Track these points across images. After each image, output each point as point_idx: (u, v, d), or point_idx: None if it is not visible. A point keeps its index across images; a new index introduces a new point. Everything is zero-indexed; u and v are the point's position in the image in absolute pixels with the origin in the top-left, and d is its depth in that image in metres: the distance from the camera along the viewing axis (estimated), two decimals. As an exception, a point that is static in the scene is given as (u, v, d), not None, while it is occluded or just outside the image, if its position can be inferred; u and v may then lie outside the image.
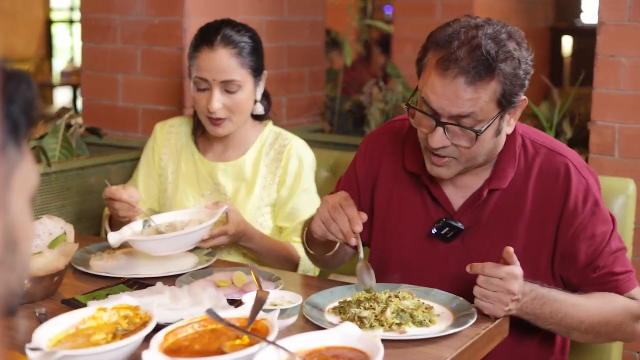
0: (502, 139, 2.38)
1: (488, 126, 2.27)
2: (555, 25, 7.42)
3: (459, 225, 2.46)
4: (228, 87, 2.99)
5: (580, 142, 3.71)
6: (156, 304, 2.12)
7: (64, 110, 3.61)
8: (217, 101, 2.98)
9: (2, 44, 11.36)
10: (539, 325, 2.32)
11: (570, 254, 2.40)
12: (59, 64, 12.29)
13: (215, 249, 2.98)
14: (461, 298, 2.29)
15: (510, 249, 2.18)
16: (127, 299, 2.12)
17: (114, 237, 2.63)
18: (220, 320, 1.94)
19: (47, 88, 11.19)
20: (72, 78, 10.48)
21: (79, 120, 3.81)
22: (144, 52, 3.74)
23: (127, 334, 2.00)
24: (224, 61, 2.98)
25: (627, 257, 2.48)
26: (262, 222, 3.10)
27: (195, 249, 2.81)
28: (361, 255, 2.35)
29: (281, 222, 3.11)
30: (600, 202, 2.41)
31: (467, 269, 2.21)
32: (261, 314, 2.01)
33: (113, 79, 3.84)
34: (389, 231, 2.59)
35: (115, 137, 3.83)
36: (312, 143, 3.65)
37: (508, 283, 2.16)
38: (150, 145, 3.27)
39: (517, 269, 2.17)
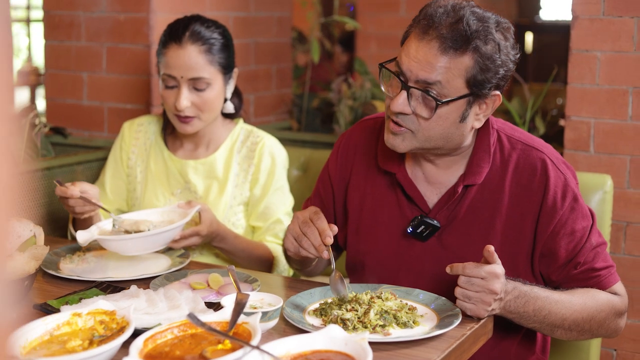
0: (467, 129, 2.32)
1: (451, 101, 2.23)
2: (518, 22, 7.43)
3: (435, 223, 2.41)
4: (196, 84, 2.92)
5: (552, 138, 3.69)
6: (133, 308, 2.05)
7: (28, 109, 3.52)
8: (185, 99, 2.91)
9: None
10: (522, 324, 2.28)
11: (550, 250, 2.36)
12: (16, 63, 12.13)
13: (188, 249, 2.92)
14: (444, 298, 2.25)
15: (491, 248, 2.13)
16: (103, 303, 2.06)
17: (82, 236, 2.57)
18: (202, 324, 1.88)
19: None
20: (30, 78, 10.32)
21: (44, 120, 3.72)
22: (109, 50, 3.66)
23: (104, 340, 1.94)
24: (193, 58, 2.91)
25: (605, 247, 2.45)
26: (235, 222, 3.04)
27: (167, 250, 2.75)
28: (333, 266, 2.30)
29: (254, 222, 3.06)
30: (579, 197, 2.39)
31: (447, 269, 2.17)
32: (242, 318, 1.96)
33: (77, 78, 3.75)
34: (364, 232, 2.55)
35: (81, 137, 3.75)
36: (281, 141, 3.60)
37: (490, 283, 2.12)
38: (118, 144, 3.20)
39: (498, 267, 2.13)
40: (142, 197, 3.11)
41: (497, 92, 2.28)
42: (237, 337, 1.91)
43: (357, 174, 2.57)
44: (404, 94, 2.26)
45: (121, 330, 1.94)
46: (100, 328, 2.00)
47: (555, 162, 2.39)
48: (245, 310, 2.06)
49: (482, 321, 2.16)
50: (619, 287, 2.41)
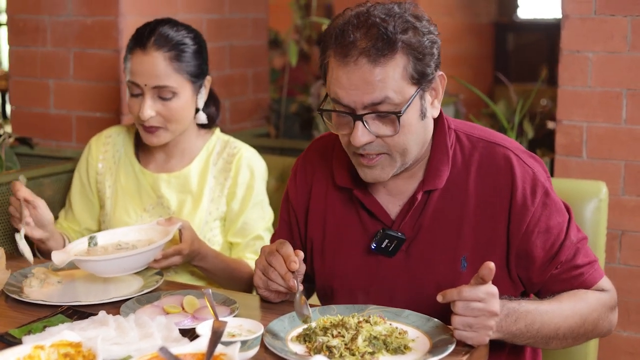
0: (430, 123, 2.21)
1: (408, 106, 2.10)
2: (498, 21, 7.32)
3: (399, 235, 2.27)
4: (161, 93, 2.76)
5: (541, 142, 3.57)
6: (100, 338, 1.89)
7: (-10, 120, 3.37)
8: (149, 108, 2.75)
9: None
10: (515, 343, 2.13)
11: (526, 251, 2.23)
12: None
13: (165, 269, 2.76)
14: (436, 320, 2.10)
15: (491, 265, 1.97)
16: (68, 334, 1.90)
17: (58, 257, 2.42)
18: (175, 359, 1.72)
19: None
20: (0, 83, 10.14)
21: (8, 129, 3.56)
22: (76, 55, 3.51)
23: (68, 376, 1.78)
24: (157, 65, 2.75)
25: (589, 246, 2.33)
26: (211, 238, 2.88)
27: (142, 270, 2.58)
28: (299, 288, 2.18)
29: (232, 238, 2.90)
30: (551, 192, 2.26)
31: (439, 298, 2.00)
32: (219, 348, 1.81)
33: (44, 85, 3.60)
34: (328, 255, 2.42)
35: (48, 148, 3.60)
36: (258, 148, 3.46)
37: (489, 304, 1.97)
38: (84, 158, 3.03)
39: (492, 287, 1.99)
40: (112, 214, 2.94)
41: (440, 72, 2.18)
42: (215, 370, 1.77)
43: (316, 195, 2.45)
44: (359, 125, 2.12)
45: (88, 364, 1.79)
46: (65, 362, 1.84)
47: (520, 157, 2.26)
48: (223, 339, 1.92)
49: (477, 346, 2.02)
50: (605, 282, 2.29)
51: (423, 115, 2.16)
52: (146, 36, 2.77)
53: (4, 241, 3.07)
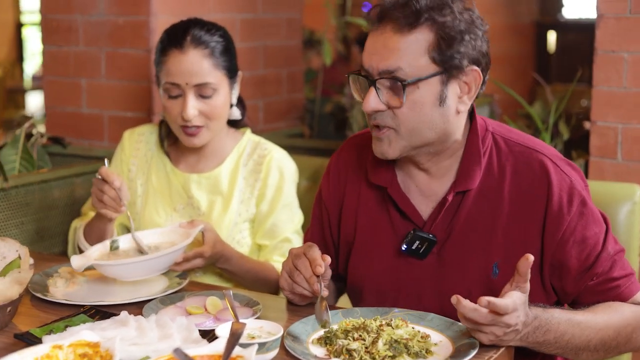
0: (451, 114, 2.16)
1: (419, 81, 2.10)
2: (540, 20, 7.23)
3: (430, 236, 2.25)
4: (202, 91, 2.75)
5: (577, 143, 3.50)
6: (119, 339, 1.88)
7: (24, 118, 3.38)
8: (192, 107, 2.73)
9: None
10: (541, 351, 2.09)
11: (560, 261, 2.19)
12: (30, 68, 12.04)
13: (189, 271, 2.75)
14: (460, 324, 2.06)
15: (530, 258, 1.94)
16: (87, 334, 1.89)
17: (77, 261, 2.41)
18: (190, 361, 1.71)
19: (19, 93, 10.94)
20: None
21: (41, 129, 3.58)
22: (108, 55, 3.51)
23: (84, 376, 1.77)
24: (197, 63, 2.73)
25: (627, 259, 2.27)
26: (240, 239, 2.86)
27: (167, 271, 2.57)
28: (322, 292, 2.16)
29: (261, 240, 2.88)
30: (589, 201, 2.21)
31: (453, 300, 1.95)
32: (237, 350, 1.79)
33: (76, 84, 3.61)
34: (358, 255, 2.40)
35: (80, 147, 3.60)
36: (291, 149, 3.43)
37: (503, 318, 1.92)
38: (118, 155, 3.03)
39: (515, 299, 1.92)
40: (142, 212, 2.93)
41: (475, 67, 2.13)
42: (231, 372, 1.75)
43: (350, 194, 2.43)
44: (372, 90, 2.14)
45: (104, 364, 1.77)
46: (82, 362, 1.84)
47: (558, 164, 2.22)
48: (243, 340, 1.90)
49: (501, 350, 1.98)
50: None
51: (441, 101, 2.13)
52: (181, 36, 2.76)
53: (36, 240, 3.09)
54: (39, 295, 2.37)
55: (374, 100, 2.14)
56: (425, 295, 2.28)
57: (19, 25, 11.71)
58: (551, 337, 2.03)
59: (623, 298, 2.20)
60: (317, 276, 2.18)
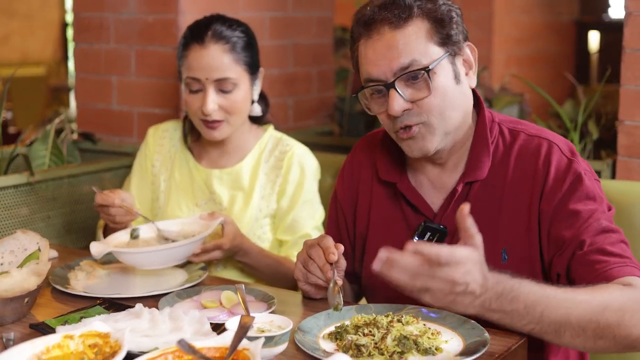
0: (466, 89, 2.23)
1: (437, 63, 2.14)
2: (580, 20, 7.15)
3: (441, 227, 2.25)
4: (222, 86, 2.77)
5: (607, 143, 3.46)
6: (129, 330, 1.90)
7: (55, 114, 3.42)
8: (212, 102, 2.76)
9: (18, 48, 11.25)
10: (514, 327, 1.89)
11: (553, 236, 2.15)
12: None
13: (209, 264, 2.76)
14: (473, 322, 2.04)
15: (465, 208, 1.79)
16: (98, 324, 1.91)
17: (96, 248, 2.44)
18: (193, 352, 1.72)
19: (64, 91, 11.04)
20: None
21: (73, 125, 3.62)
22: (138, 53, 3.53)
23: (93, 366, 1.79)
24: (217, 58, 2.76)
25: (627, 246, 2.12)
26: (261, 235, 2.87)
27: (186, 264, 2.59)
28: (334, 277, 2.16)
29: (281, 235, 2.89)
30: (587, 181, 2.16)
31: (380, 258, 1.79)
32: (244, 343, 1.79)
33: (107, 82, 3.64)
34: (371, 251, 2.39)
35: (110, 143, 3.64)
36: (320, 147, 3.43)
37: (449, 270, 1.73)
38: (143, 151, 3.06)
39: (457, 252, 1.74)
40: (165, 207, 2.96)
41: (468, 43, 2.23)
42: (236, 365, 1.76)
43: (363, 192, 2.45)
44: (393, 93, 2.14)
45: (113, 355, 1.79)
46: (91, 352, 1.86)
47: (561, 148, 2.21)
48: (253, 334, 1.91)
49: (512, 348, 1.96)
50: (636, 280, 2.00)
51: (457, 79, 2.18)
52: (202, 31, 2.79)
53: (62, 234, 3.12)
54: (58, 287, 2.40)
55: (398, 102, 2.13)
56: None
57: (64, 25, 11.83)
58: (520, 306, 1.83)
59: (610, 276, 2.02)
60: (331, 264, 2.19)
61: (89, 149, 3.58)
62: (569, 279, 2.13)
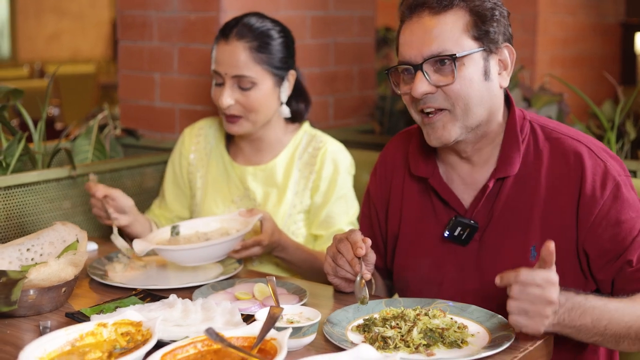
0: (496, 88, 2.24)
1: (467, 55, 2.17)
2: (626, 21, 7.09)
3: (471, 222, 2.28)
4: (240, 83, 2.82)
5: (645, 143, 3.45)
6: (161, 319, 1.96)
7: (98, 110, 3.49)
8: (228, 96, 2.82)
9: (69, 46, 11.41)
10: (581, 340, 2.06)
11: (593, 245, 2.18)
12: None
13: (246, 259, 2.81)
14: (500, 316, 2.07)
15: (551, 245, 1.94)
16: (131, 313, 1.97)
17: (139, 246, 2.50)
18: (221, 340, 1.77)
19: (113, 89, 11.18)
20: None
21: (117, 122, 3.68)
22: (180, 50, 3.58)
23: (125, 352, 1.83)
24: (236, 55, 2.81)
25: None
26: (295, 230, 2.91)
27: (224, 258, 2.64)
28: (362, 270, 2.20)
29: (316, 230, 2.92)
30: (624, 187, 2.18)
31: (497, 281, 1.97)
32: (273, 333, 1.83)
33: (150, 79, 3.69)
34: (403, 246, 2.44)
35: (153, 139, 3.68)
36: (361, 145, 3.45)
37: (547, 291, 1.92)
38: (178, 149, 3.11)
39: (553, 274, 1.93)
40: (201, 204, 3.01)
41: (508, 44, 2.24)
42: (264, 353, 1.79)
43: (395, 188, 2.48)
44: (419, 75, 2.18)
45: (144, 342, 1.84)
46: (123, 340, 1.91)
47: (594, 150, 2.23)
48: (282, 325, 1.95)
49: (537, 343, 1.98)
50: None
51: (487, 75, 2.20)
52: (230, 27, 2.84)
53: (103, 227, 3.17)
54: (96, 278, 2.46)
55: (422, 84, 2.17)
56: (468, 281, 2.30)
57: (114, 24, 11.97)
58: (588, 320, 2.00)
59: None
60: (359, 258, 2.22)
61: (132, 145, 3.63)
62: (615, 289, 2.20)
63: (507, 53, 2.24)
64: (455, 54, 2.15)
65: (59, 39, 11.49)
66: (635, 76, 7.23)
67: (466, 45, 2.17)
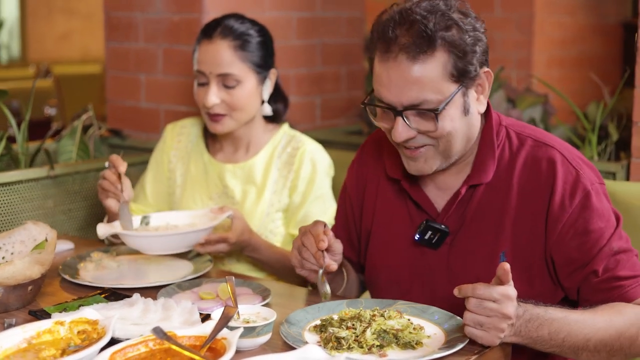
0: (475, 119, 2.20)
1: (447, 103, 2.10)
2: (629, 22, 7.05)
3: (442, 227, 2.28)
4: (225, 81, 2.85)
5: (628, 145, 3.44)
6: (117, 317, 1.97)
7: (82, 111, 3.51)
8: (214, 95, 2.84)
9: (78, 46, 11.46)
10: (539, 350, 2.07)
11: (560, 253, 2.18)
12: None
13: (224, 257, 2.83)
14: (459, 318, 2.07)
15: (507, 266, 1.94)
16: (88, 312, 1.99)
17: (102, 229, 2.54)
18: (167, 339, 1.79)
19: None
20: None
21: (102, 122, 3.71)
22: (165, 51, 3.60)
23: (78, 350, 1.85)
24: (221, 53, 2.84)
25: (637, 259, 2.21)
26: (273, 229, 2.93)
27: (195, 257, 2.66)
28: (324, 265, 2.24)
29: (293, 230, 2.94)
30: (594, 195, 2.18)
31: (455, 292, 1.98)
32: (225, 332, 1.85)
33: (135, 79, 3.71)
34: (375, 245, 2.44)
35: (138, 139, 3.71)
36: (349, 145, 3.46)
37: (503, 306, 1.93)
38: (160, 147, 3.14)
39: (511, 289, 1.94)
40: (180, 201, 3.04)
41: (486, 69, 2.17)
42: (215, 352, 1.81)
43: (370, 187, 2.48)
44: (399, 120, 2.13)
45: (98, 340, 1.86)
46: (79, 338, 1.93)
47: (567, 158, 2.22)
48: (236, 324, 1.96)
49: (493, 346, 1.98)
50: None
51: (466, 111, 2.15)
52: (212, 27, 2.87)
53: (84, 226, 3.20)
54: (66, 277, 2.48)
55: (404, 130, 2.13)
56: (438, 285, 2.31)
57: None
58: (545, 332, 2.02)
59: (628, 299, 2.16)
60: (322, 251, 2.24)
61: (118, 145, 3.66)
62: (580, 298, 2.22)
63: (484, 77, 2.17)
64: (437, 109, 2.09)
65: (68, 39, 11.54)
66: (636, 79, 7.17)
67: (446, 90, 2.10)
